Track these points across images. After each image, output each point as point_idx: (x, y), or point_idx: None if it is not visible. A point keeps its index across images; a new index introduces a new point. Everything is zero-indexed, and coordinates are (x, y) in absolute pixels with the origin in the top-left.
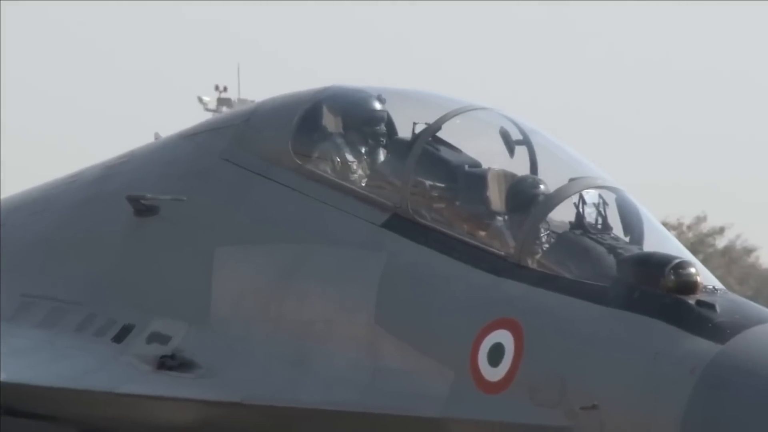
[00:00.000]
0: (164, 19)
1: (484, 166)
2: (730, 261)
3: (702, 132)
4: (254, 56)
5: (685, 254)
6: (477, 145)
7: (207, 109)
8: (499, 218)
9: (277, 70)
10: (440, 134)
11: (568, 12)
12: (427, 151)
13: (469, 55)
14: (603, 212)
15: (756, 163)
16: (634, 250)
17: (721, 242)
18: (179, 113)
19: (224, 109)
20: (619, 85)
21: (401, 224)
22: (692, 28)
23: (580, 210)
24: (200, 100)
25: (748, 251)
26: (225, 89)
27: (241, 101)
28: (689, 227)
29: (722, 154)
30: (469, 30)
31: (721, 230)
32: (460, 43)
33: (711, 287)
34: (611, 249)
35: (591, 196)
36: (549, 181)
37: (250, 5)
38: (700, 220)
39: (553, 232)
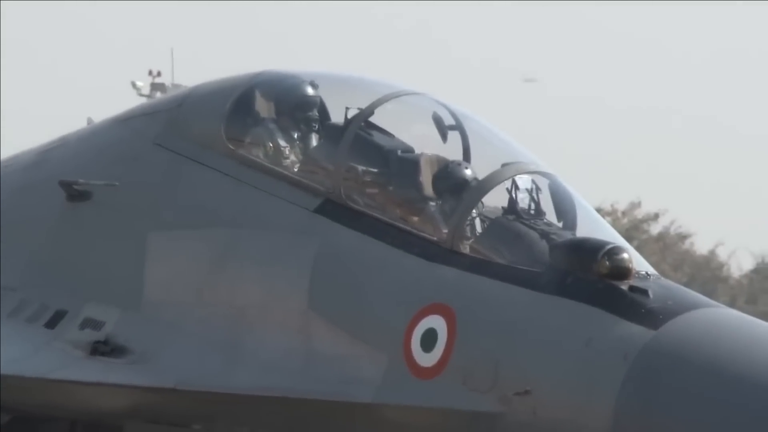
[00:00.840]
0: (97, 2)
1: (417, 151)
2: (665, 247)
3: (638, 116)
4: (188, 41)
5: (618, 240)
6: (410, 130)
7: (141, 95)
8: (432, 203)
9: (211, 54)
10: (373, 119)
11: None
12: (359, 136)
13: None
14: (536, 198)
15: (691, 148)
16: (567, 235)
17: (655, 228)
18: (113, 98)
19: (158, 94)
20: (558, 62)
21: (334, 209)
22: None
23: (513, 195)
24: (134, 85)
25: (683, 237)
26: (159, 74)
27: (175, 86)
28: (624, 213)
29: (657, 138)
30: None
31: (655, 216)
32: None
33: (644, 273)
34: (544, 234)
35: (524, 181)
36: (482, 167)
37: None
38: (635, 206)
39: (486, 217)
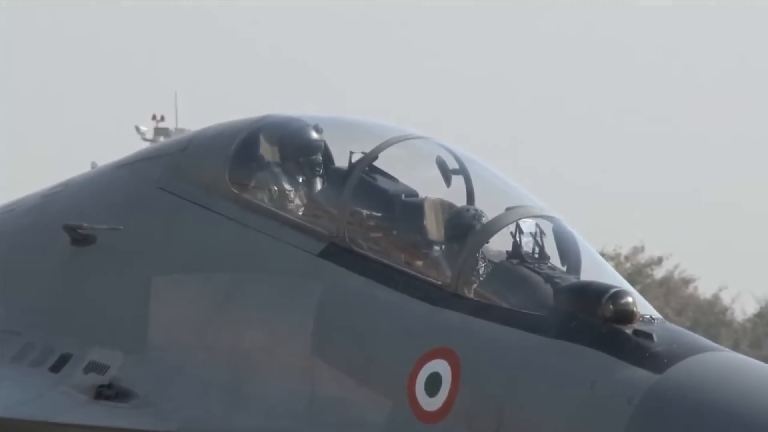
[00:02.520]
0: (100, 48)
1: (421, 195)
2: (668, 291)
3: (640, 161)
4: (192, 85)
5: (623, 284)
6: (414, 174)
7: (144, 139)
8: (436, 247)
9: (214, 99)
10: (377, 163)
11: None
12: (363, 180)
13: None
14: (540, 241)
15: (694, 193)
16: (571, 279)
17: (659, 273)
18: (116, 143)
19: (161, 138)
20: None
21: (338, 253)
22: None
23: (517, 239)
24: (137, 129)
25: (686, 282)
26: (162, 118)
27: (179, 131)
28: (627, 257)
29: (660, 184)
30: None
31: (659, 260)
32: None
33: (648, 317)
34: (548, 278)
35: (528, 225)
36: (486, 211)
37: (186, 34)
38: (638, 250)
39: (490, 261)
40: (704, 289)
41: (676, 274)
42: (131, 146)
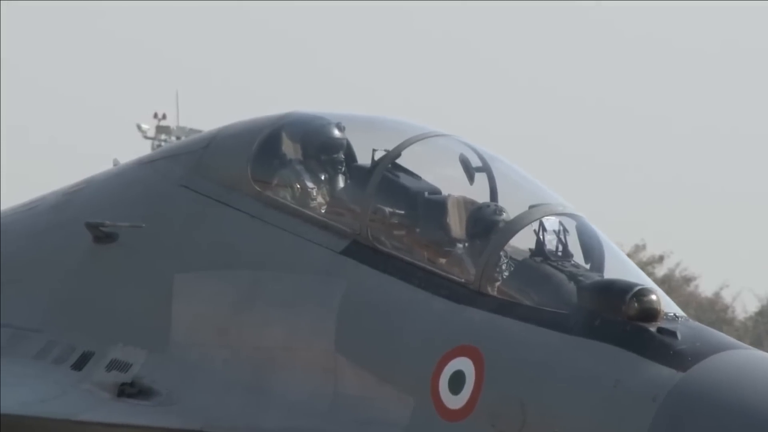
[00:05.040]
0: (102, 46)
1: (444, 192)
2: (670, 290)
3: (640, 161)
4: (193, 83)
5: (647, 282)
6: (437, 171)
7: (146, 137)
8: (459, 245)
9: (216, 97)
10: (400, 161)
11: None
12: (386, 178)
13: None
14: (563, 239)
15: (695, 191)
16: (595, 277)
17: (660, 271)
18: (118, 141)
19: (163, 136)
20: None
21: (361, 251)
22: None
23: (541, 237)
24: (139, 127)
25: (687, 280)
26: (164, 117)
27: (180, 129)
28: (628, 256)
29: (661, 181)
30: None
31: (660, 259)
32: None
33: (672, 314)
34: (572, 276)
35: (551, 223)
36: (509, 208)
37: (188, 32)
38: (639, 248)
39: (514, 259)
40: (705, 288)
41: (677, 273)
42: (132, 144)
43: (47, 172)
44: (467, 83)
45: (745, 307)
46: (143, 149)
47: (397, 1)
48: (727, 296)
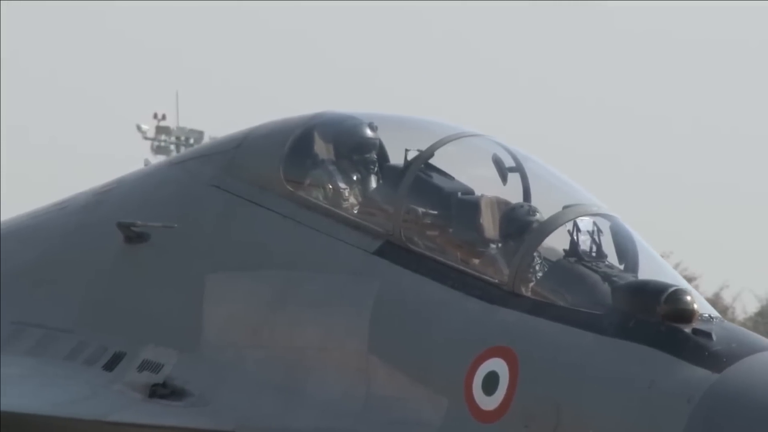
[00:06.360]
0: (102, 46)
1: (477, 193)
2: None
3: (640, 161)
4: (193, 83)
5: (681, 282)
6: (470, 171)
7: (146, 137)
8: (493, 246)
9: (216, 97)
10: (433, 161)
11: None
12: (419, 178)
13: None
14: (597, 240)
15: (695, 191)
16: (629, 277)
17: None
18: (118, 141)
19: (162, 137)
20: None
21: (394, 251)
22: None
23: (575, 237)
24: (139, 128)
25: (688, 280)
26: (164, 117)
27: (180, 129)
28: None
29: (662, 181)
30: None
31: None
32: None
33: (707, 315)
34: (606, 277)
35: (585, 223)
36: (542, 209)
37: (188, 32)
38: None
39: (547, 259)
40: (705, 288)
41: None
42: (132, 145)
43: (47, 172)
44: (467, 83)
45: (745, 308)
46: (143, 149)
47: (398, 1)
48: (727, 296)
